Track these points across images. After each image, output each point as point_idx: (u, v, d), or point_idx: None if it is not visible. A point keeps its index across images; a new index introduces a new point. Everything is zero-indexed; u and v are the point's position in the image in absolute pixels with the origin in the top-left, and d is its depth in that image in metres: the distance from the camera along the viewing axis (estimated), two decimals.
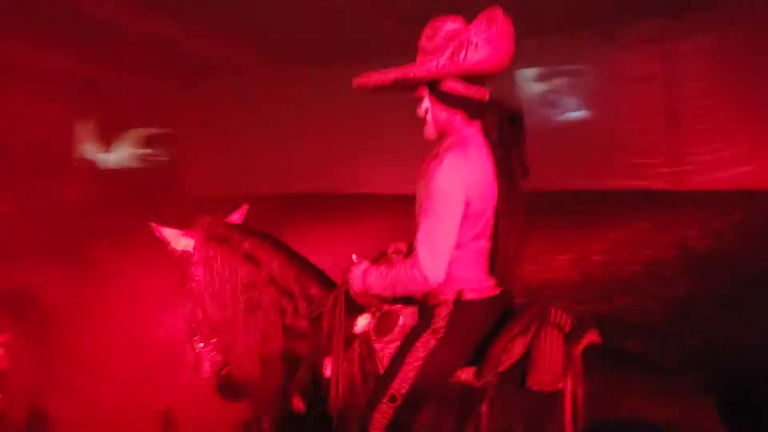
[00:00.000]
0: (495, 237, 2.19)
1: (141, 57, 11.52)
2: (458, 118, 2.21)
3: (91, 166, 17.27)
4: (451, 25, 2.13)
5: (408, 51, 2.38)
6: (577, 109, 10.95)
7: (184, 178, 14.76)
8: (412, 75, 2.13)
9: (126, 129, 17.89)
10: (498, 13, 2.04)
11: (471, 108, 2.19)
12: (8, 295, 6.12)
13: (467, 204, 2.10)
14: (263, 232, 2.88)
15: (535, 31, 8.95)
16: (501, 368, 2.12)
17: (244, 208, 3.22)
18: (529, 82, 10.88)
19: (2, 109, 14.06)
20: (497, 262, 2.20)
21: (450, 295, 2.20)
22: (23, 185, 13.96)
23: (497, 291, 2.28)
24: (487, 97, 2.24)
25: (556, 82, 10.86)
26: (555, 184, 9.33)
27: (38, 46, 10.99)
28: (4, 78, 11.78)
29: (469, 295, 2.20)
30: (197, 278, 2.67)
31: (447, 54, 2.04)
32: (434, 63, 2.07)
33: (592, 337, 2.19)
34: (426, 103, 2.28)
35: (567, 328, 2.15)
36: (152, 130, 17.53)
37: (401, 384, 2.16)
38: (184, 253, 2.76)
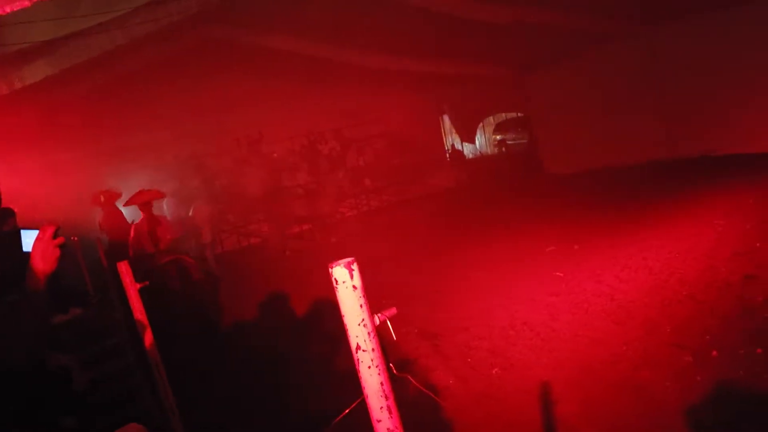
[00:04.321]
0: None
1: (492, 49, 12.40)
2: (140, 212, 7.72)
3: (459, 155, 19.22)
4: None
5: None
6: None
7: (543, 157, 15.25)
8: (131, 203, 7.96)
9: (485, 118, 19.42)
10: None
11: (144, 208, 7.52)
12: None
13: None
14: None
15: None
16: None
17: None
18: None
19: (392, 113, 16.80)
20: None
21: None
22: (411, 178, 16.45)
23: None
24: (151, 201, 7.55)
25: None
26: None
27: (404, 54, 12.60)
28: (388, 84, 13.94)
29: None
30: None
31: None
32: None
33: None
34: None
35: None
36: (509, 116, 18.65)
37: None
38: None
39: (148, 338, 3.82)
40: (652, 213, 8.22)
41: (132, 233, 7.43)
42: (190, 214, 11.47)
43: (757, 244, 5.78)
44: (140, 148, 13.42)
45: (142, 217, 7.48)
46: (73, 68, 9.85)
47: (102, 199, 9.36)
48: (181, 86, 11.52)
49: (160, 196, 7.99)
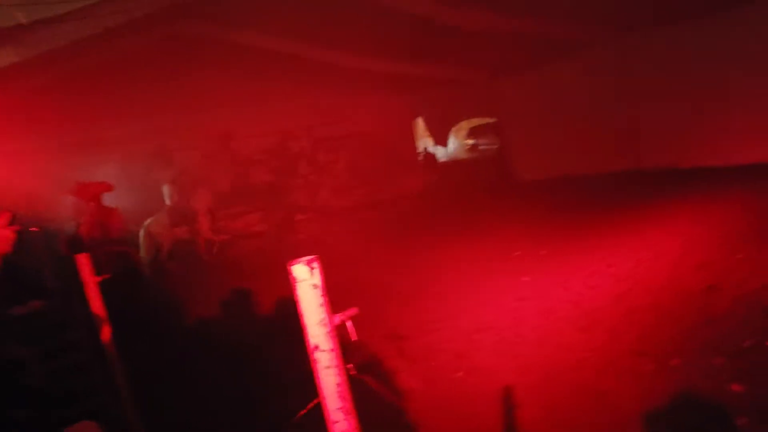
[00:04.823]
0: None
1: (466, 54, 12.42)
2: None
3: (431, 158, 19.26)
4: None
5: None
6: None
7: (514, 163, 15.32)
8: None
9: (458, 122, 19.46)
10: None
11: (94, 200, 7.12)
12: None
13: None
14: None
15: None
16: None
17: None
18: None
19: (365, 113, 16.78)
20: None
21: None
22: (382, 179, 16.43)
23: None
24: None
25: None
26: None
27: (379, 54, 12.56)
28: (361, 84, 13.88)
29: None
30: None
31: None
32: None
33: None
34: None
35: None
36: (482, 122, 18.73)
37: None
38: None
39: (106, 332, 3.72)
40: (620, 221, 8.31)
41: (83, 224, 7.64)
42: (191, 201, 11.69)
43: (720, 256, 5.89)
44: (107, 141, 13.17)
45: (92, 208, 7.67)
46: (40, 56, 9.58)
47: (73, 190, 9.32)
48: (151, 80, 11.32)
49: (109, 188, 7.97)
